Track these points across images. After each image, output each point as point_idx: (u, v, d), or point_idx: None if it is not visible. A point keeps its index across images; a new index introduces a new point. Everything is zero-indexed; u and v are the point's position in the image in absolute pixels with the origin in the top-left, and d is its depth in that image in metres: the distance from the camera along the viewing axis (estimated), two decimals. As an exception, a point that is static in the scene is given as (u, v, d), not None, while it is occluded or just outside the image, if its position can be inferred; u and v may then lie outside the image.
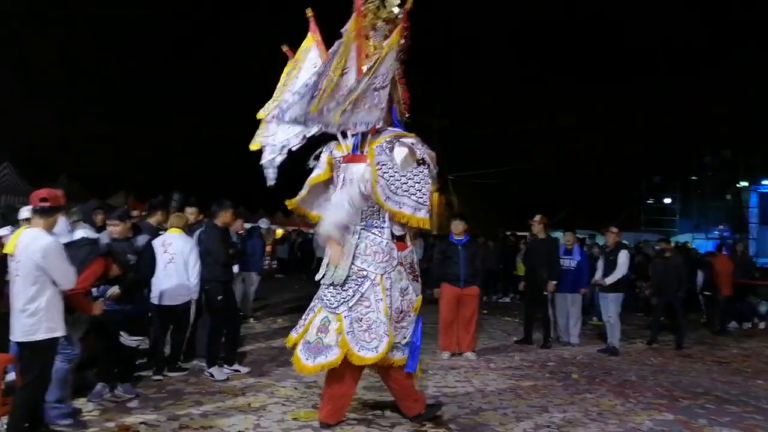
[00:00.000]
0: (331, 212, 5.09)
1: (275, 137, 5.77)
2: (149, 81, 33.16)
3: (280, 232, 24.55)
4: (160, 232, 7.06)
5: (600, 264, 9.59)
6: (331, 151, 5.47)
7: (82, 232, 6.22)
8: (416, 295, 5.33)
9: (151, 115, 32.49)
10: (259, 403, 5.95)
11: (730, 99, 31.23)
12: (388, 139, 5.10)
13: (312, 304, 5.38)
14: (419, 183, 5.05)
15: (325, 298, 5.23)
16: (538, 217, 9.75)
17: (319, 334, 5.14)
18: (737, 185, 27.15)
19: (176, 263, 6.86)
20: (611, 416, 5.84)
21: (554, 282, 9.52)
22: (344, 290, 5.10)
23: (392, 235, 5.19)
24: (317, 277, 5.33)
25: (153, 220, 7.11)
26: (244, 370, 7.18)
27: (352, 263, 5.09)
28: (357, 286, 5.08)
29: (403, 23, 5.14)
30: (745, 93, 30.03)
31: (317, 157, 5.60)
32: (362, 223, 5.16)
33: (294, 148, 5.71)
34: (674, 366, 8.42)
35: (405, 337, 5.22)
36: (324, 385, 5.39)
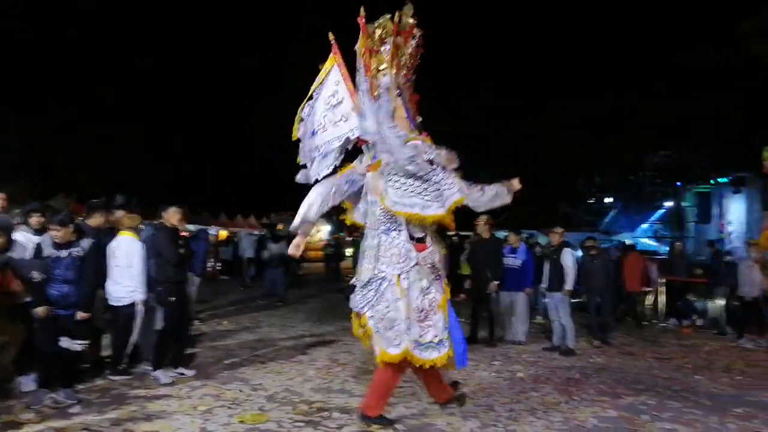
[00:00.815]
0: (494, 198, 5.50)
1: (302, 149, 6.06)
2: (90, 81, 32.27)
3: (224, 233, 24.25)
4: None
5: (546, 265, 9.72)
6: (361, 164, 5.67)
7: (20, 236, 6.06)
8: (440, 294, 5.42)
9: (93, 115, 31.62)
10: (205, 406, 5.85)
11: (668, 100, 32.18)
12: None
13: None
14: (427, 182, 5.20)
15: (353, 299, 5.53)
16: (483, 218, 9.81)
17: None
18: (675, 185, 27.95)
19: (121, 265, 6.75)
20: (556, 414, 5.92)
21: (496, 282, 9.63)
22: (367, 292, 5.36)
23: (410, 236, 5.35)
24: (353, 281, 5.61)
25: (92, 222, 6.89)
26: (189, 373, 7.05)
27: (374, 266, 5.33)
28: (377, 287, 5.30)
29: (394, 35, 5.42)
30: (682, 95, 30.98)
31: (361, 158, 5.75)
32: (382, 227, 5.37)
33: (331, 167, 5.86)
34: (616, 363, 8.60)
35: (436, 336, 5.28)
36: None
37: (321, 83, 5.98)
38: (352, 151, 5.81)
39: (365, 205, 5.60)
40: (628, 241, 18.79)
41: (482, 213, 9.35)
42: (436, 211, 5.21)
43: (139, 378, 6.76)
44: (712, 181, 24.24)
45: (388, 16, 5.49)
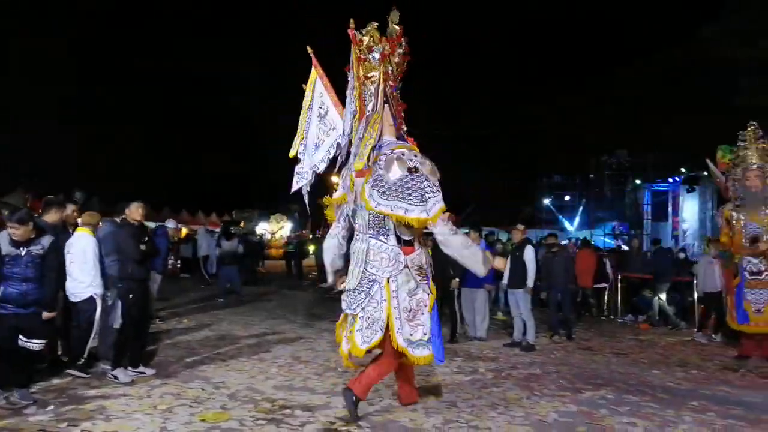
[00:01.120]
0: (473, 263, 5.66)
1: (302, 165, 6.46)
2: (49, 76, 31.65)
3: (184, 231, 23.93)
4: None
5: (507, 262, 9.81)
6: (350, 169, 5.81)
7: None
8: (427, 294, 5.62)
9: (51, 111, 31.01)
10: (166, 405, 5.77)
11: (626, 102, 32.83)
12: (384, 154, 5.50)
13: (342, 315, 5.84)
14: (411, 188, 5.35)
15: (344, 302, 5.71)
16: (446, 215, 9.84)
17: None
18: (632, 183, 28.55)
19: (76, 261, 6.64)
20: (518, 409, 5.98)
21: (457, 279, 9.70)
22: (357, 294, 5.55)
23: (399, 240, 5.54)
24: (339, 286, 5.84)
25: (49, 219, 6.74)
26: (149, 372, 6.94)
27: (364, 269, 5.52)
28: (368, 289, 5.49)
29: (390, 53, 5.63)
30: (640, 96, 31.64)
31: (339, 170, 6.02)
32: (370, 232, 5.57)
33: (320, 171, 6.33)
34: (576, 359, 8.74)
35: (425, 334, 5.51)
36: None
37: (311, 100, 6.28)
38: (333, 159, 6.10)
39: (353, 208, 5.78)
40: (583, 238, 19.11)
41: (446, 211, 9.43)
42: (419, 215, 5.32)
43: (98, 377, 6.63)
44: (670, 180, 24.75)
45: (375, 24, 5.66)
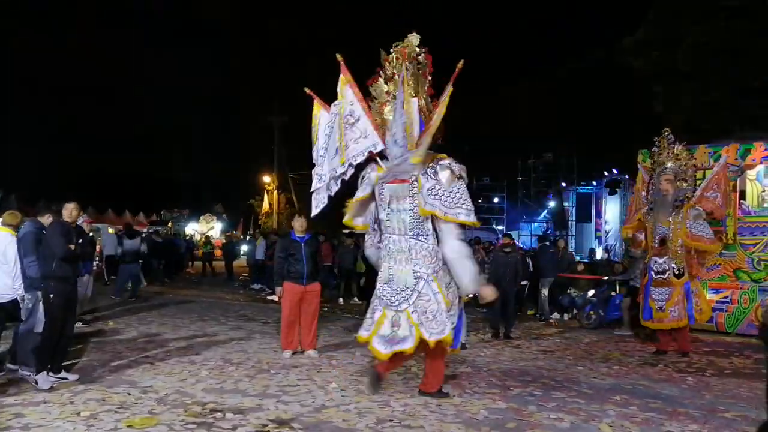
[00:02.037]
0: (465, 273, 6.01)
1: (322, 169, 6.77)
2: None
3: (110, 231, 23.20)
4: None
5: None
6: (371, 173, 6.41)
7: None
8: (457, 287, 6.15)
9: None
10: (89, 411, 5.57)
11: (551, 107, 33.74)
12: (430, 165, 6.02)
13: (373, 304, 6.36)
14: (463, 194, 5.97)
15: (384, 297, 6.19)
16: None
17: (393, 328, 6.08)
18: (558, 186, 29.34)
19: (-1, 262, 6.38)
20: (449, 407, 6.06)
21: None
22: (403, 290, 6.05)
23: (437, 240, 6.10)
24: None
25: None
26: (72, 377, 6.68)
27: (410, 267, 6.05)
28: (414, 286, 6.01)
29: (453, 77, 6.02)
30: (565, 101, 32.57)
31: (362, 179, 6.55)
32: (410, 233, 6.11)
33: (346, 177, 6.54)
34: (505, 356, 8.93)
35: (453, 323, 6.06)
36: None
37: (342, 107, 6.44)
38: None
39: (383, 212, 6.28)
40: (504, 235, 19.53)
41: None
42: (466, 218, 5.94)
43: (16, 384, 6.37)
44: (593, 183, 25.56)
45: (400, 44, 6.17)
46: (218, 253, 25.89)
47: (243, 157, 35.87)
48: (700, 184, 10.31)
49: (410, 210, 6.07)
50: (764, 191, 12.51)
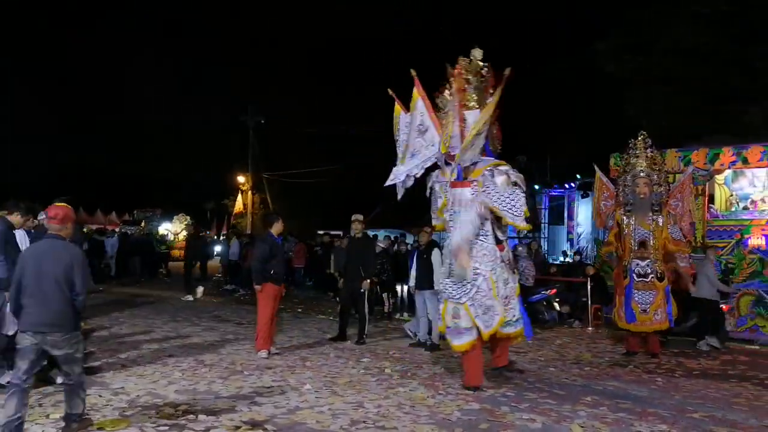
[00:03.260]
0: (460, 230, 6.68)
1: (398, 169, 7.47)
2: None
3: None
4: None
5: (414, 263, 9.98)
6: (436, 180, 7.23)
7: None
8: (515, 283, 7.03)
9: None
10: (59, 413, 5.48)
11: (525, 109, 33.95)
12: (488, 168, 6.75)
13: (438, 296, 7.35)
14: (516, 199, 6.66)
15: (446, 291, 6.97)
16: (358, 217, 10.03)
17: (454, 320, 6.84)
18: (532, 188, 29.53)
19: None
20: (423, 408, 6.10)
21: (368, 280, 9.81)
22: (463, 285, 6.76)
23: (496, 239, 6.82)
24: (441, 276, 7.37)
25: None
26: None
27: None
28: (473, 281, 6.71)
29: (501, 85, 6.72)
30: (537, 105, 32.82)
31: (431, 189, 7.38)
32: None
33: (418, 175, 7.31)
34: (478, 357, 8.97)
35: (514, 316, 6.89)
36: (463, 358, 7.06)
37: (414, 117, 7.24)
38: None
39: (447, 213, 6.99)
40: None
41: (356, 212, 9.78)
42: (521, 222, 6.70)
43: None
44: (566, 186, 25.80)
45: (466, 59, 6.82)
46: (177, 253, 25.58)
47: (217, 156, 35.58)
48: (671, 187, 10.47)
49: (469, 211, 6.73)
50: (732, 195, 12.78)
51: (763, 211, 11.94)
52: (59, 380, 6.36)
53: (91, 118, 39.07)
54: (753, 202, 12.55)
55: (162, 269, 22.97)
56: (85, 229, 21.81)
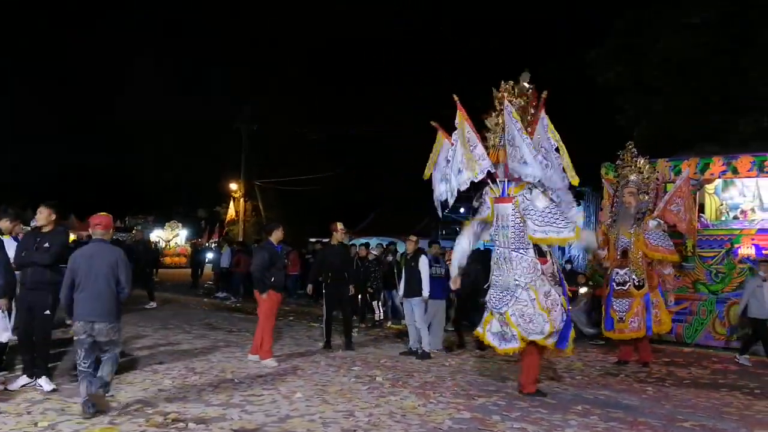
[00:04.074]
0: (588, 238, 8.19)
1: (441, 186, 7.70)
2: None
3: (72, 237, 22.82)
4: None
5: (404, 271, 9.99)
6: (486, 192, 7.47)
7: None
8: (559, 296, 7.08)
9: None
10: (48, 421, 5.48)
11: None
12: (527, 186, 7.03)
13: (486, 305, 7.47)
14: (554, 216, 6.93)
15: (490, 301, 7.34)
16: (340, 225, 10.25)
17: (502, 327, 7.16)
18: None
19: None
20: (414, 417, 6.08)
21: (351, 286, 9.98)
22: (504, 295, 7.12)
23: (537, 252, 7.05)
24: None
25: None
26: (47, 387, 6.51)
27: (512, 276, 7.06)
28: (513, 292, 7.04)
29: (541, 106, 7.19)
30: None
31: (479, 197, 7.64)
32: (512, 246, 7.08)
33: (462, 189, 7.39)
34: (469, 366, 8.99)
35: (553, 327, 6.94)
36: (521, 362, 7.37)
37: (461, 135, 7.37)
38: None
39: (494, 228, 7.34)
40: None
41: (338, 220, 9.97)
42: (568, 234, 6.91)
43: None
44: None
45: (512, 82, 7.19)
46: (168, 260, 25.39)
47: (210, 163, 35.45)
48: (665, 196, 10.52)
49: (512, 226, 7.06)
50: (722, 205, 12.83)
51: (753, 220, 11.98)
52: (47, 387, 6.37)
53: (86, 121, 38.99)
54: (743, 211, 12.59)
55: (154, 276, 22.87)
56: (74, 236, 21.76)
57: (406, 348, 9.79)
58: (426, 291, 9.49)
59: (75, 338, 5.84)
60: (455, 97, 7.46)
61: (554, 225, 6.89)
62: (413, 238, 10.15)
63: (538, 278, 7.00)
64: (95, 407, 5.61)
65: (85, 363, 5.74)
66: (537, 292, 6.94)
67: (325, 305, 10.03)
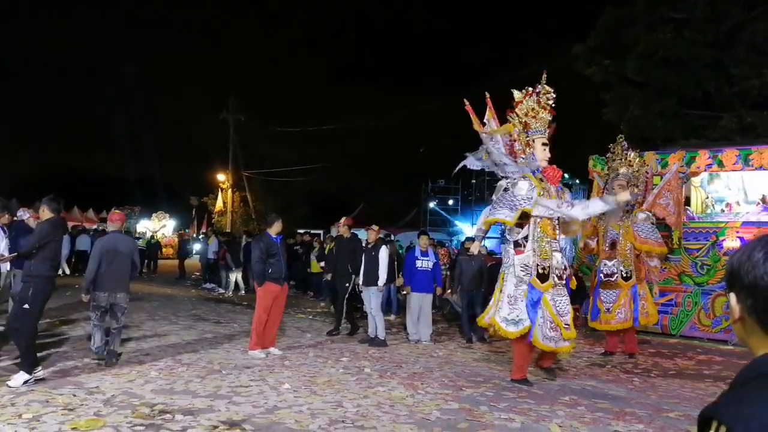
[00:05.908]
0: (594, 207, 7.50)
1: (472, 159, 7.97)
2: None
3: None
4: None
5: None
6: (533, 191, 7.37)
7: None
8: (527, 285, 7.19)
9: None
10: (32, 413, 5.40)
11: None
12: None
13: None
14: (500, 200, 7.33)
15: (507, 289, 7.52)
16: (343, 219, 10.72)
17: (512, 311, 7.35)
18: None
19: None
20: (402, 408, 6.09)
21: (354, 276, 10.29)
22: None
23: (513, 244, 7.36)
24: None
25: None
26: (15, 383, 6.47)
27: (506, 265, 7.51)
28: (501, 277, 7.53)
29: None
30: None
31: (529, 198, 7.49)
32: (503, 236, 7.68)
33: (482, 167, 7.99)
34: (457, 357, 9.01)
35: (518, 317, 7.15)
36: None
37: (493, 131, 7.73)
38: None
39: None
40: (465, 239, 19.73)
41: (338, 212, 10.09)
42: (500, 217, 7.14)
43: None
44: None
45: (530, 88, 7.56)
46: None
47: (197, 154, 35.32)
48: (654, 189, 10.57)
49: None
50: (708, 198, 12.93)
51: (738, 213, 12.07)
52: (15, 384, 6.26)
53: (71, 116, 38.75)
54: (728, 204, 12.70)
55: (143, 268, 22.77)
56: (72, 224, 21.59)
57: (368, 336, 9.97)
58: (382, 281, 9.77)
59: (94, 304, 7.53)
60: (487, 96, 7.91)
61: (494, 207, 7.34)
62: (375, 227, 10.45)
63: (508, 268, 7.41)
64: (117, 360, 7.43)
65: (101, 319, 7.60)
66: (502, 281, 7.40)
67: (332, 293, 10.39)
